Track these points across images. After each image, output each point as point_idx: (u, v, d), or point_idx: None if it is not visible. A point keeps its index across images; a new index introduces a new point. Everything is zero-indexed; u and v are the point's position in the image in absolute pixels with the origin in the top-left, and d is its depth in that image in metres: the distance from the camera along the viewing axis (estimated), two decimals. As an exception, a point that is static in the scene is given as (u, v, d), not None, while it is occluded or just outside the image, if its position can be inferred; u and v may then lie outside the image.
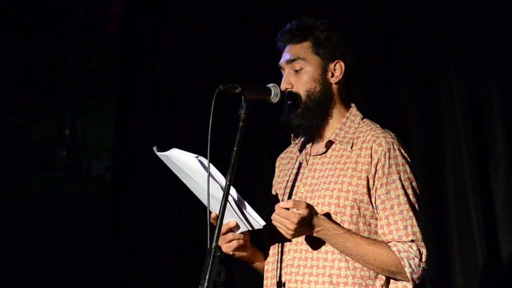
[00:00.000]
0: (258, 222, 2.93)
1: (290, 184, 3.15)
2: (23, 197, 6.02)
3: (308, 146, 3.16)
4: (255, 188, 5.02)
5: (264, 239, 3.22)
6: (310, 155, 3.15)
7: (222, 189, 2.85)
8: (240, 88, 2.92)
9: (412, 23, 4.88)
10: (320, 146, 3.13)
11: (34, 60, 6.60)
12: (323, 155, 3.11)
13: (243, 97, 2.93)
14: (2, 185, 5.83)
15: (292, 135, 3.23)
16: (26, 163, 6.13)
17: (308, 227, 2.90)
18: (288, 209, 2.87)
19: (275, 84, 3.04)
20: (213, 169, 2.90)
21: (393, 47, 4.92)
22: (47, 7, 6.28)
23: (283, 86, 3.09)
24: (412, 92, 4.88)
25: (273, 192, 3.27)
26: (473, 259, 4.71)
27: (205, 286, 2.71)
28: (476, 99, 4.79)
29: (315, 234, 2.94)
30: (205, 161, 2.89)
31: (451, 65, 4.82)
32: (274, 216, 2.88)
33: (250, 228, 2.99)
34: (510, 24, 4.74)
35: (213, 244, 2.76)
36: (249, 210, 2.92)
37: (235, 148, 2.88)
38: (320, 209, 2.98)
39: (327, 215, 2.98)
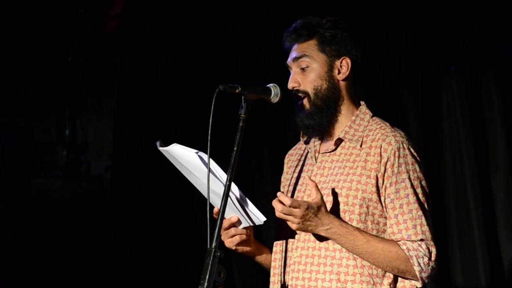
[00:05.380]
0: (259, 218, 2.93)
1: (298, 181, 3.15)
2: (23, 197, 6.03)
3: (317, 143, 3.16)
4: (255, 188, 5.02)
5: (266, 235, 3.21)
6: (319, 152, 3.14)
7: (223, 185, 2.86)
8: (240, 88, 2.92)
9: (412, 23, 4.88)
10: (329, 144, 3.12)
11: (34, 60, 6.61)
12: (332, 153, 3.11)
13: (243, 97, 2.93)
14: (2, 185, 5.84)
15: (301, 132, 3.22)
16: (26, 163, 6.14)
17: (317, 221, 2.89)
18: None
19: (275, 84, 3.04)
20: (214, 165, 2.91)
21: (393, 47, 4.92)
22: (47, 7, 6.28)
23: (290, 84, 3.10)
24: (412, 92, 4.88)
25: (282, 189, 3.26)
26: (473, 259, 4.71)
27: (205, 286, 2.70)
28: (476, 99, 4.79)
29: (323, 233, 2.93)
30: (205, 157, 2.90)
31: (451, 65, 4.82)
32: (281, 208, 2.87)
33: (251, 224, 2.99)
34: (510, 24, 4.74)
35: (213, 244, 2.76)
36: (250, 206, 2.93)
37: (235, 148, 2.88)
38: (328, 207, 2.97)
39: (336, 213, 2.98)
